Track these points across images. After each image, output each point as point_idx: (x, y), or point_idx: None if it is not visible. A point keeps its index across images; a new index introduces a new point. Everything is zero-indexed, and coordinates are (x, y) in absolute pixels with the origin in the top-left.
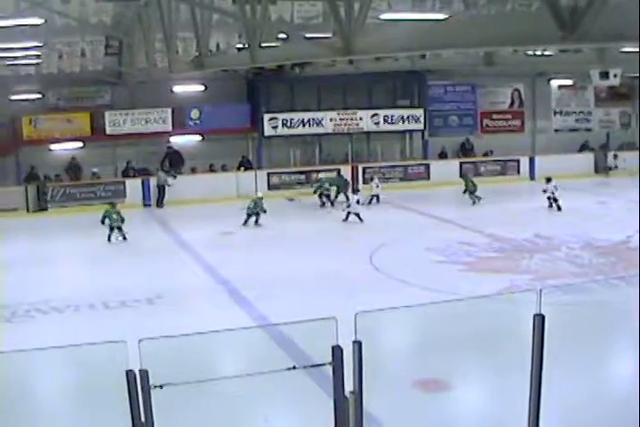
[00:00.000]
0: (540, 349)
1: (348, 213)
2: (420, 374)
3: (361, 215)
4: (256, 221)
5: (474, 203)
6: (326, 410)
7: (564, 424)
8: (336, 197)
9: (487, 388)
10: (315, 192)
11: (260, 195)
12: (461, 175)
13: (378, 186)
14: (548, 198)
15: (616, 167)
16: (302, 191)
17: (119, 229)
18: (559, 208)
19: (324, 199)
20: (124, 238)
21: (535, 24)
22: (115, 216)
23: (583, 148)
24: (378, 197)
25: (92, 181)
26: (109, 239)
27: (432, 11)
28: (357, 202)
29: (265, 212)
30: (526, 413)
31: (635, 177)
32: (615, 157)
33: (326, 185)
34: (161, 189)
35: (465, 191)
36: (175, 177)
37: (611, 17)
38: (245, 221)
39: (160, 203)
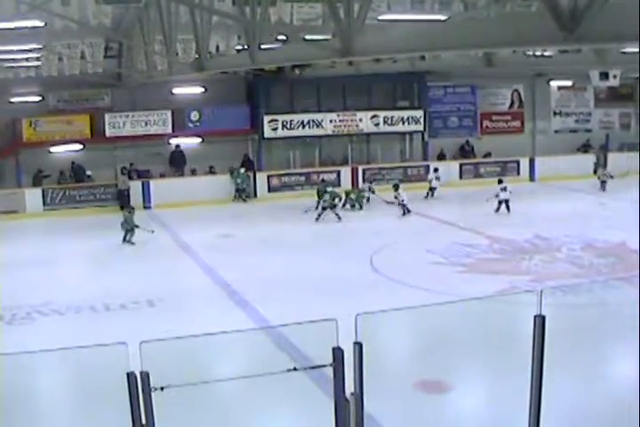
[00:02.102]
0: (541, 350)
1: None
2: (421, 375)
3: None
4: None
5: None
6: (327, 412)
7: (565, 426)
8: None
9: (488, 389)
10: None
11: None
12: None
13: (438, 178)
14: (500, 202)
15: (611, 177)
16: (302, 193)
17: (132, 232)
18: (508, 209)
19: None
20: (129, 242)
21: (535, 25)
22: (126, 221)
23: (585, 147)
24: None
25: (92, 184)
26: (129, 241)
27: (431, 12)
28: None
29: None
30: (527, 414)
31: (635, 177)
32: (603, 166)
33: (341, 195)
34: (122, 194)
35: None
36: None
37: (610, 17)
38: None
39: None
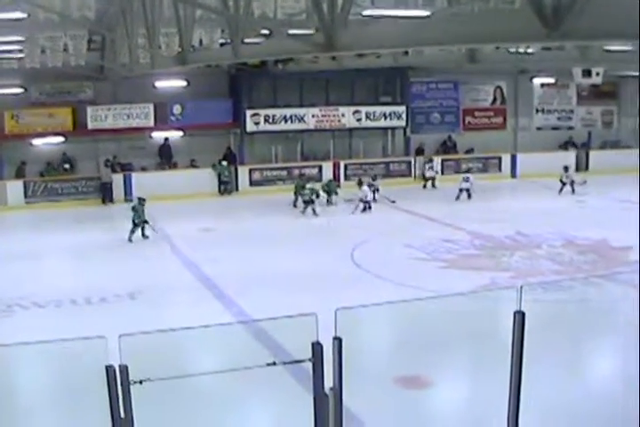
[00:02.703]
0: (520, 346)
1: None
2: (401, 370)
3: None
4: None
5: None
6: (307, 406)
7: (544, 421)
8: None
9: (468, 385)
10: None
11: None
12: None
13: (432, 168)
14: (460, 190)
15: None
16: (283, 187)
17: (142, 226)
18: (469, 197)
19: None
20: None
21: (518, 21)
22: (137, 212)
23: (567, 145)
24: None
25: (75, 177)
26: (130, 239)
27: (415, 7)
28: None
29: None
30: (506, 409)
31: (615, 175)
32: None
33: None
34: (105, 187)
35: None
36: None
37: (594, 15)
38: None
39: (108, 200)
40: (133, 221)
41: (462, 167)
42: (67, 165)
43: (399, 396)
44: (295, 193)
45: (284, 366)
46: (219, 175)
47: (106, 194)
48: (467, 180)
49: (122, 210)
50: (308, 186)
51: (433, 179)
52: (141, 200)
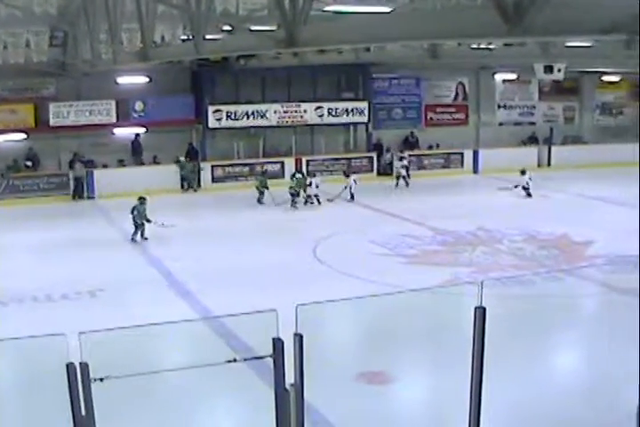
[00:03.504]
0: (482, 341)
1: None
2: (364, 366)
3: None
4: None
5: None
6: (269, 402)
7: (505, 416)
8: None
9: (430, 380)
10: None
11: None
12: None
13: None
14: (397, 177)
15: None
16: (246, 184)
17: (142, 224)
18: (407, 184)
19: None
20: (141, 237)
21: (479, 17)
22: (139, 212)
23: (530, 140)
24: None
25: (35, 173)
26: (142, 236)
27: (377, 3)
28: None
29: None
30: (468, 404)
31: (577, 171)
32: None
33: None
34: (77, 181)
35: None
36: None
37: (555, 11)
38: None
39: (79, 195)
40: (135, 221)
41: (424, 163)
42: (28, 162)
43: (362, 391)
44: (258, 189)
45: (248, 363)
46: (181, 172)
47: (77, 189)
48: (404, 167)
49: (83, 207)
50: (298, 176)
51: (405, 176)
52: (142, 199)
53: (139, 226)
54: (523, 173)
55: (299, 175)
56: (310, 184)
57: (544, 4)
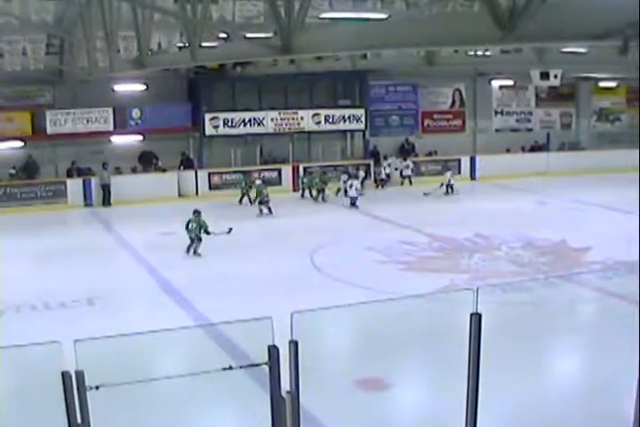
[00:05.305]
0: (477, 347)
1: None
2: (360, 373)
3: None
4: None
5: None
6: (266, 409)
7: (502, 423)
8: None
9: (426, 387)
10: (306, 188)
11: None
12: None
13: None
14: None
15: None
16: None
17: (199, 239)
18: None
19: (317, 194)
20: (194, 252)
21: (475, 24)
22: (194, 225)
23: (533, 149)
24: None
25: (32, 182)
26: (188, 251)
27: (373, 10)
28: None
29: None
30: (464, 411)
31: (574, 177)
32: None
33: (317, 181)
34: (105, 189)
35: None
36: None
37: (548, 17)
38: None
39: (107, 202)
40: (192, 235)
41: (422, 170)
42: (12, 171)
43: (359, 398)
44: (242, 190)
45: (244, 370)
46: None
47: (105, 196)
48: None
49: (81, 215)
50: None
51: (409, 177)
52: (197, 213)
53: (194, 240)
54: (446, 170)
55: (258, 182)
56: (351, 186)
57: (537, 10)
